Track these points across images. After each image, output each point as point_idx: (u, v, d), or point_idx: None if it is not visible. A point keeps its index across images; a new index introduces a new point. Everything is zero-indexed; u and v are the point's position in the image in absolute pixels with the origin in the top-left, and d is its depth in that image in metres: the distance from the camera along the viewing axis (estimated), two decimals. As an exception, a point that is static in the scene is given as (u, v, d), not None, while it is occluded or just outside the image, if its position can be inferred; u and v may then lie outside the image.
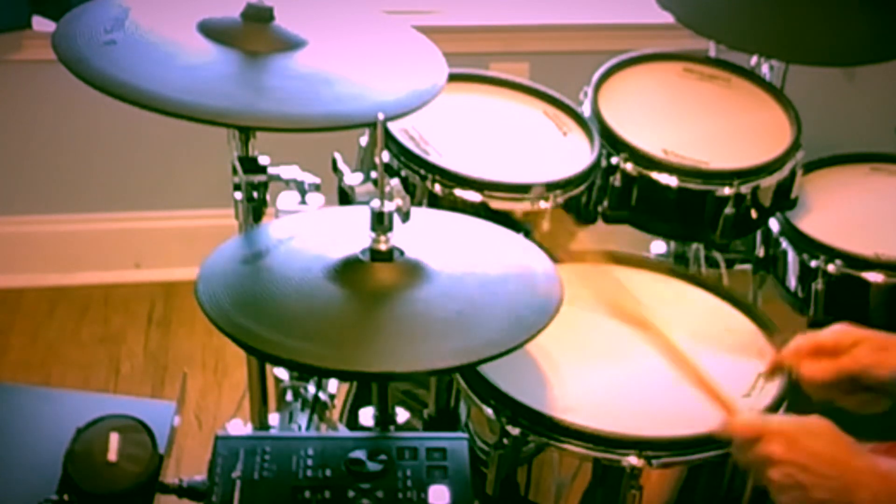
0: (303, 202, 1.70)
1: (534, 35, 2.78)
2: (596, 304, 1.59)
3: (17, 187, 2.81)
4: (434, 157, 1.81)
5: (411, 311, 1.37)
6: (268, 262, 1.45)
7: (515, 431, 1.48)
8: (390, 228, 1.40)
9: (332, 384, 1.93)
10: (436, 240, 1.49)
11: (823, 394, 1.48)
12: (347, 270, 1.40)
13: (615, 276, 1.67)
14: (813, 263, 1.91)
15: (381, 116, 1.39)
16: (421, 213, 1.49)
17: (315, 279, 1.39)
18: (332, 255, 1.42)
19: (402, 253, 1.41)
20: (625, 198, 1.92)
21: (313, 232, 1.52)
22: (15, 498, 1.34)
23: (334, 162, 1.81)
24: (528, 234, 1.65)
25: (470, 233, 1.56)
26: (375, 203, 1.39)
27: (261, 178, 1.65)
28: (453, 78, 1.77)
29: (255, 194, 1.65)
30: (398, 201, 1.39)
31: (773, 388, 1.57)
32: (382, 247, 1.40)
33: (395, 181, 1.41)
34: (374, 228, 1.40)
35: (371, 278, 1.39)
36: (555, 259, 1.50)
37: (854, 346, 1.45)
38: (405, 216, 1.40)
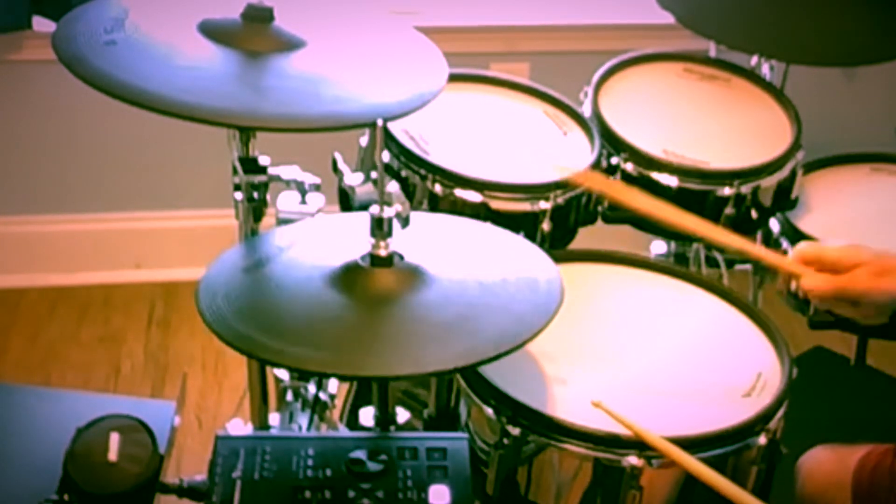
0: (303, 202, 1.70)
1: (534, 35, 2.78)
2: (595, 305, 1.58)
3: (17, 187, 2.81)
4: (434, 157, 1.81)
5: (412, 316, 1.37)
6: (268, 271, 1.45)
7: (515, 431, 1.48)
8: (390, 234, 1.40)
9: (333, 384, 1.93)
10: (435, 244, 1.49)
11: (823, 305, 1.48)
12: (348, 276, 1.40)
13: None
14: (813, 263, 1.91)
15: (380, 123, 1.39)
16: (420, 218, 1.49)
17: (315, 286, 1.39)
18: (332, 262, 1.42)
19: (401, 258, 1.42)
20: (625, 198, 1.91)
21: (313, 238, 1.52)
22: (15, 498, 1.34)
23: (334, 162, 1.81)
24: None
25: (469, 236, 1.56)
26: (375, 209, 1.39)
27: (261, 178, 1.65)
28: (453, 78, 1.77)
29: (255, 194, 1.65)
30: (398, 207, 1.39)
31: (773, 388, 1.57)
32: (382, 252, 1.40)
33: (394, 187, 1.41)
34: (373, 234, 1.40)
35: (371, 284, 1.39)
36: None
37: (854, 268, 1.44)
38: (405, 221, 1.40)
